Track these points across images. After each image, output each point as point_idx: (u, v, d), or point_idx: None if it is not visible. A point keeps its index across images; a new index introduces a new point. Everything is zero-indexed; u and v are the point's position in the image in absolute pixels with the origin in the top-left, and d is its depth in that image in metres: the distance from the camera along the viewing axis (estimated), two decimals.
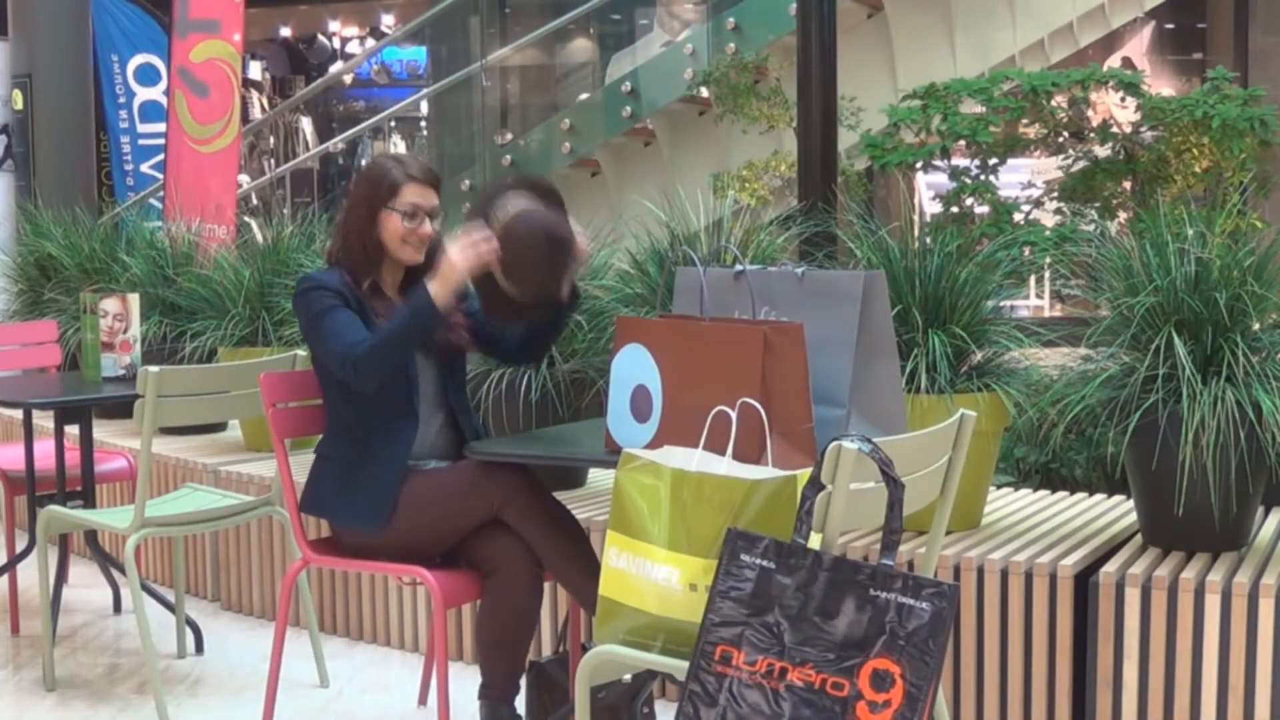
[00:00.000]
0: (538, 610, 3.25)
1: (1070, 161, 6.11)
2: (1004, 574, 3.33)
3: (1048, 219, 5.92)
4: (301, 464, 3.48)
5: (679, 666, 2.50)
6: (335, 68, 13.36)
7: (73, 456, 4.38)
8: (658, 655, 2.58)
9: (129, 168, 8.75)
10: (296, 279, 4.98)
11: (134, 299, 4.39)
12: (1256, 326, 3.38)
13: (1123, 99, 6.20)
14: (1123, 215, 5.92)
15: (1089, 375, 3.43)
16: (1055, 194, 6.07)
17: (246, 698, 3.92)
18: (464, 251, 3.12)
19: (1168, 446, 3.26)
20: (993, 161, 5.91)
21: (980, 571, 3.36)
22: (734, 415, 2.65)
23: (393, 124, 12.64)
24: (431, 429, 3.38)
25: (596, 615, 2.66)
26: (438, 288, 3.13)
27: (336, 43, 14.92)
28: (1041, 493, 4.20)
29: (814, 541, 2.44)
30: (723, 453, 2.64)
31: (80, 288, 5.62)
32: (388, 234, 3.31)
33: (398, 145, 13.07)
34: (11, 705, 3.91)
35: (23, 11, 8.67)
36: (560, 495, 3.67)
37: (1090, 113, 6.36)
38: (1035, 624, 3.30)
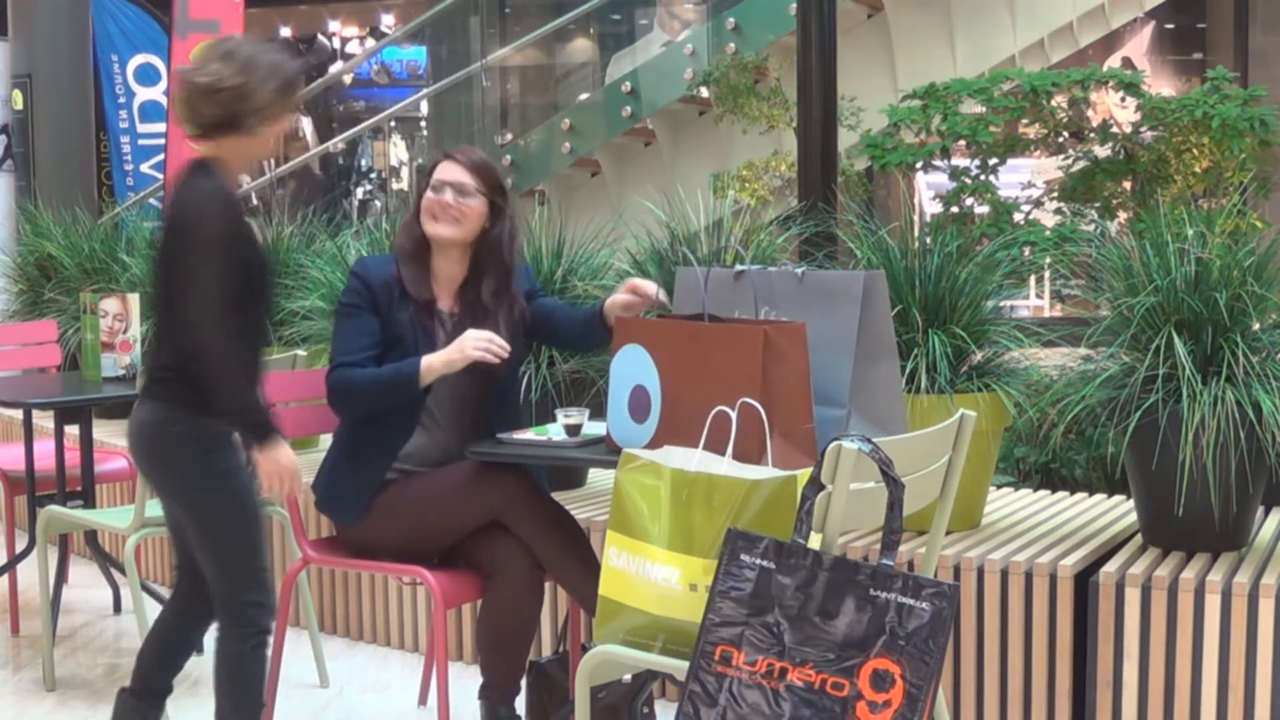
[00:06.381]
0: (538, 611, 3.25)
1: (1070, 161, 6.10)
2: (1004, 574, 3.33)
3: (1048, 219, 5.90)
4: (302, 464, 3.48)
5: (679, 666, 2.50)
6: (335, 68, 13.33)
7: (73, 456, 4.38)
8: (658, 655, 2.58)
9: (129, 168, 8.75)
10: (297, 279, 5.00)
11: (134, 299, 4.39)
12: (1256, 326, 3.38)
13: (1123, 99, 6.19)
14: (1123, 215, 5.91)
15: (1089, 375, 3.43)
16: (1055, 194, 6.06)
17: None
18: (474, 345, 3.16)
19: (1168, 446, 3.25)
20: (993, 161, 5.90)
21: (980, 571, 3.36)
22: (734, 415, 2.65)
23: (393, 124, 12.62)
24: (452, 437, 3.35)
25: (596, 615, 2.66)
26: (434, 364, 3.18)
27: (336, 43, 14.90)
28: (1041, 493, 4.20)
29: (814, 541, 2.44)
30: (723, 453, 2.64)
31: (80, 288, 5.62)
32: (424, 214, 3.30)
33: (397, 145, 13.06)
34: (11, 705, 3.91)
35: (23, 11, 8.66)
36: (560, 495, 3.67)
37: (1090, 113, 6.34)
38: (1035, 624, 3.30)
